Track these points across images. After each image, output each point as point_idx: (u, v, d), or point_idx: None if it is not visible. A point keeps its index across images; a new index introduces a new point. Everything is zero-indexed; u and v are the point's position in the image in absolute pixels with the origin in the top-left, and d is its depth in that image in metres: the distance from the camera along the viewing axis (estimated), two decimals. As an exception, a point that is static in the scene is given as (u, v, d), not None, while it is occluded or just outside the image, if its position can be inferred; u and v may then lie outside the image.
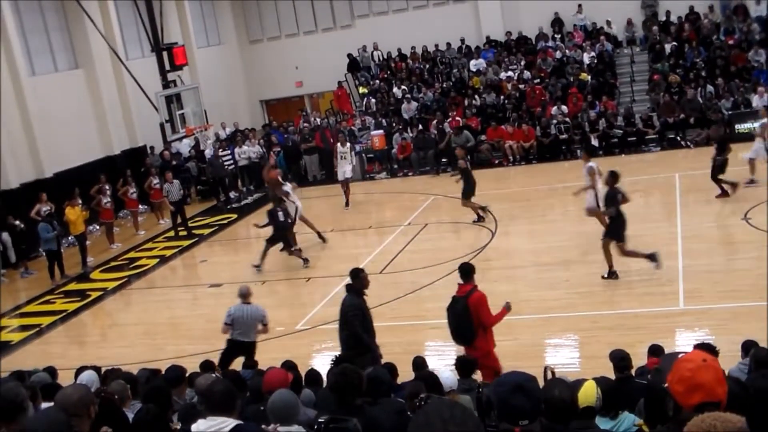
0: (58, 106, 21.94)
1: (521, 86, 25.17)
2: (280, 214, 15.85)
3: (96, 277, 17.83)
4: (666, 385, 3.01)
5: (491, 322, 8.71)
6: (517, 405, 3.02)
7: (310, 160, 24.89)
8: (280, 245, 16.23)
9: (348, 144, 21.21)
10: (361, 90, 28.42)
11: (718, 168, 15.78)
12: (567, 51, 26.16)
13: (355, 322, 9.05)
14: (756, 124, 17.52)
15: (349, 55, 28.98)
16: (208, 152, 23.86)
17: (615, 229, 12.51)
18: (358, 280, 9.33)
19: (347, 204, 20.34)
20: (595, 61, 25.27)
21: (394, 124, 25.30)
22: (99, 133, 23.58)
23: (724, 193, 15.80)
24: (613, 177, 12.54)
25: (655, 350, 7.66)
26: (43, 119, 21.20)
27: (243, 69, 30.94)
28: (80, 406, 4.28)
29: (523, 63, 26.31)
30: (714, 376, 2.89)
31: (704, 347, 6.34)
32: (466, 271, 8.92)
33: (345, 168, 20.41)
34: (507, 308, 8.86)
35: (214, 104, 25.37)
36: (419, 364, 7.96)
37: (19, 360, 12.27)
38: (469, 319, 8.55)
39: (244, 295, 10.34)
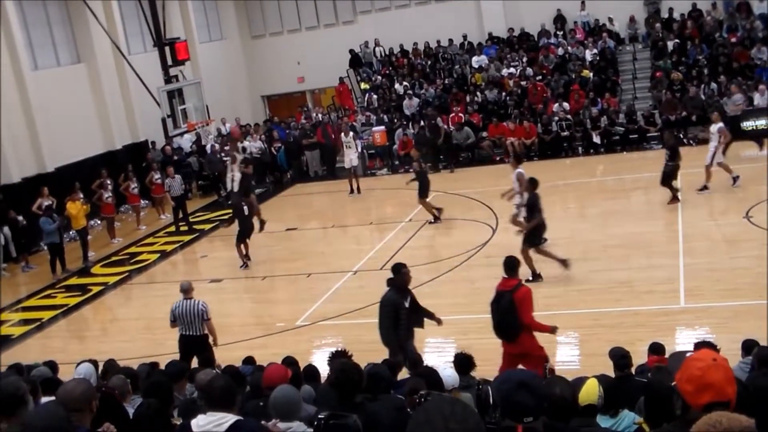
0: (59, 100, 21.92)
1: (523, 83, 25.13)
2: (245, 208, 16.11)
3: (97, 271, 17.85)
4: (674, 383, 3.00)
5: (529, 321, 8.44)
6: (522, 402, 3.03)
7: (311, 155, 24.88)
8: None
9: (351, 133, 21.51)
10: (363, 86, 28.40)
11: (669, 174, 15.66)
12: (569, 48, 26.11)
13: (386, 320, 8.86)
14: (713, 129, 16.58)
15: (351, 51, 28.95)
16: (210, 147, 23.84)
17: (533, 235, 12.86)
18: (399, 276, 9.09)
19: (353, 191, 20.45)
20: (597, 58, 25.23)
21: (395, 120, 25.27)
22: (101, 127, 23.57)
23: (675, 199, 15.64)
24: (532, 184, 12.92)
25: (656, 348, 7.65)
26: (44, 113, 21.18)
27: (245, 64, 30.92)
28: (82, 400, 4.28)
29: (525, 60, 26.27)
30: (724, 375, 2.88)
31: (704, 346, 6.34)
32: (512, 265, 8.68)
33: (351, 156, 20.86)
34: (552, 330, 8.63)
35: (215, 99, 25.30)
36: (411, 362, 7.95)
37: (20, 354, 12.26)
38: (514, 314, 8.36)
39: (185, 291, 10.44)
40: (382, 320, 9.04)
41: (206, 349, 10.25)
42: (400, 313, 8.96)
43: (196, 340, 10.27)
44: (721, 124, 16.52)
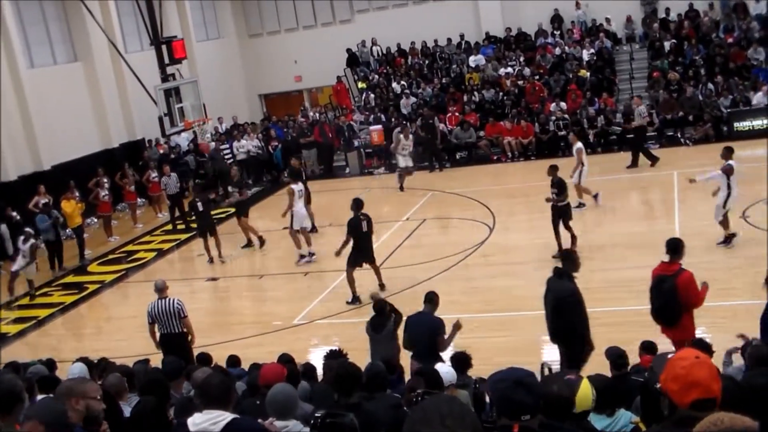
0: (56, 98, 21.89)
1: (520, 82, 25.15)
2: (199, 204, 16.46)
3: (94, 269, 17.84)
4: (658, 385, 3.00)
5: (701, 301, 8.27)
6: (519, 400, 3.02)
7: (308, 154, 24.82)
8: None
9: (411, 136, 21.56)
10: (360, 85, 28.39)
11: (565, 213, 13.94)
12: (566, 47, 26.15)
13: (574, 311, 8.44)
14: (574, 149, 16.69)
15: (349, 50, 28.95)
16: (212, 146, 23.81)
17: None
18: (570, 262, 8.70)
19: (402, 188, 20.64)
20: (595, 57, 25.27)
21: (393, 120, 25.28)
22: (97, 126, 23.56)
23: (573, 242, 13.88)
24: (356, 204, 13.07)
25: (647, 347, 7.66)
26: (41, 112, 21.16)
27: (242, 63, 30.90)
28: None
29: (522, 59, 26.30)
30: (708, 372, 2.90)
31: (699, 345, 6.34)
32: (675, 247, 8.38)
33: (408, 160, 21.03)
34: (706, 286, 8.40)
35: (212, 98, 25.28)
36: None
37: (16, 352, 12.25)
38: (676, 299, 8.13)
39: (160, 290, 10.46)
40: (569, 312, 8.46)
41: (186, 346, 10.24)
42: (582, 302, 8.57)
43: (175, 338, 10.28)
44: (579, 145, 16.62)
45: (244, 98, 30.85)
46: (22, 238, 15.91)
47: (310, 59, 29.30)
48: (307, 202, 16.93)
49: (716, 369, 2.97)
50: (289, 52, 29.97)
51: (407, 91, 26.45)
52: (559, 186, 13.90)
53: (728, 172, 13.18)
